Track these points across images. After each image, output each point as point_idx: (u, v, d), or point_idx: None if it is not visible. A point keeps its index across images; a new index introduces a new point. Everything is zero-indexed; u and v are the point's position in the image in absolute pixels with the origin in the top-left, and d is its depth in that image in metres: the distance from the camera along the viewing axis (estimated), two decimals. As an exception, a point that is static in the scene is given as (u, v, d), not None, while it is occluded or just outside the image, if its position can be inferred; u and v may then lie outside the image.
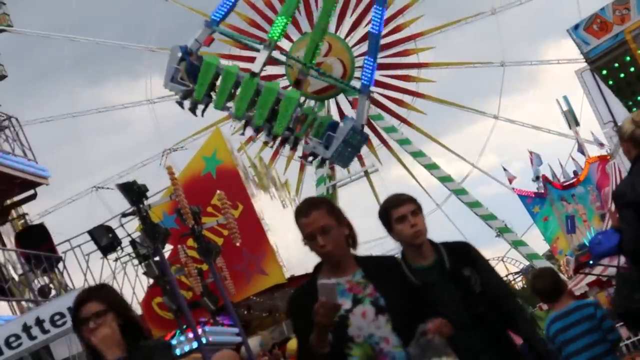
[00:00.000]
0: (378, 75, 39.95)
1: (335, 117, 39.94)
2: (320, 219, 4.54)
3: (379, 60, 39.85)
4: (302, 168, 39.25)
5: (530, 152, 34.87)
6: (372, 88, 39.85)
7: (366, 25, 39.16)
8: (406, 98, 39.83)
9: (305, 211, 4.57)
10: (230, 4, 26.83)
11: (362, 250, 4.83)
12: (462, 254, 5.21)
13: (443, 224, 41.46)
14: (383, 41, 39.68)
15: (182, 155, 41.06)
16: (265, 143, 36.74)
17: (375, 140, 40.65)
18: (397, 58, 39.49)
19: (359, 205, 50.97)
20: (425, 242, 5.19)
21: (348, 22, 39.70)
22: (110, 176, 41.47)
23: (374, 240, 40.80)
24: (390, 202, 5.23)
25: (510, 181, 33.37)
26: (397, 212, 5.14)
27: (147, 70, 43.40)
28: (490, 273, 5.29)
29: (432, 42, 39.83)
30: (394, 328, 4.48)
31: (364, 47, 39.59)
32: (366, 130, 39.49)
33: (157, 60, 41.86)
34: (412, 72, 39.66)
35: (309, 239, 4.56)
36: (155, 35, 42.61)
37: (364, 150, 40.10)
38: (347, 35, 39.59)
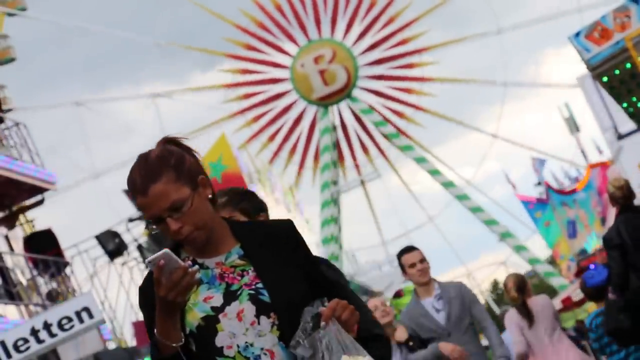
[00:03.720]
0: (381, 86, 40.18)
1: (338, 120, 40.19)
2: (166, 194, 2.90)
3: (383, 72, 40.13)
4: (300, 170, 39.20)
5: (533, 159, 35.02)
6: (374, 98, 40.12)
7: (374, 35, 39.41)
8: (407, 111, 39.96)
9: (141, 188, 2.90)
10: None
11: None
12: None
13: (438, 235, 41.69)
14: (388, 53, 39.86)
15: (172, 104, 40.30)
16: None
17: (373, 150, 40.62)
18: (401, 70, 39.69)
19: (363, 210, 50.93)
20: None
21: (356, 30, 39.80)
22: (93, 97, 40.91)
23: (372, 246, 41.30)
24: None
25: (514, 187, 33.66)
26: None
27: (153, 64, 43.35)
28: None
29: (437, 56, 40.03)
30: (281, 335, 2.91)
31: (371, 56, 39.80)
32: (365, 139, 39.77)
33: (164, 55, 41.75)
34: (415, 86, 39.84)
35: (156, 223, 2.93)
36: (163, 30, 42.28)
37: (361, 158, 40.26)
38: (355, 43, 39.67)
